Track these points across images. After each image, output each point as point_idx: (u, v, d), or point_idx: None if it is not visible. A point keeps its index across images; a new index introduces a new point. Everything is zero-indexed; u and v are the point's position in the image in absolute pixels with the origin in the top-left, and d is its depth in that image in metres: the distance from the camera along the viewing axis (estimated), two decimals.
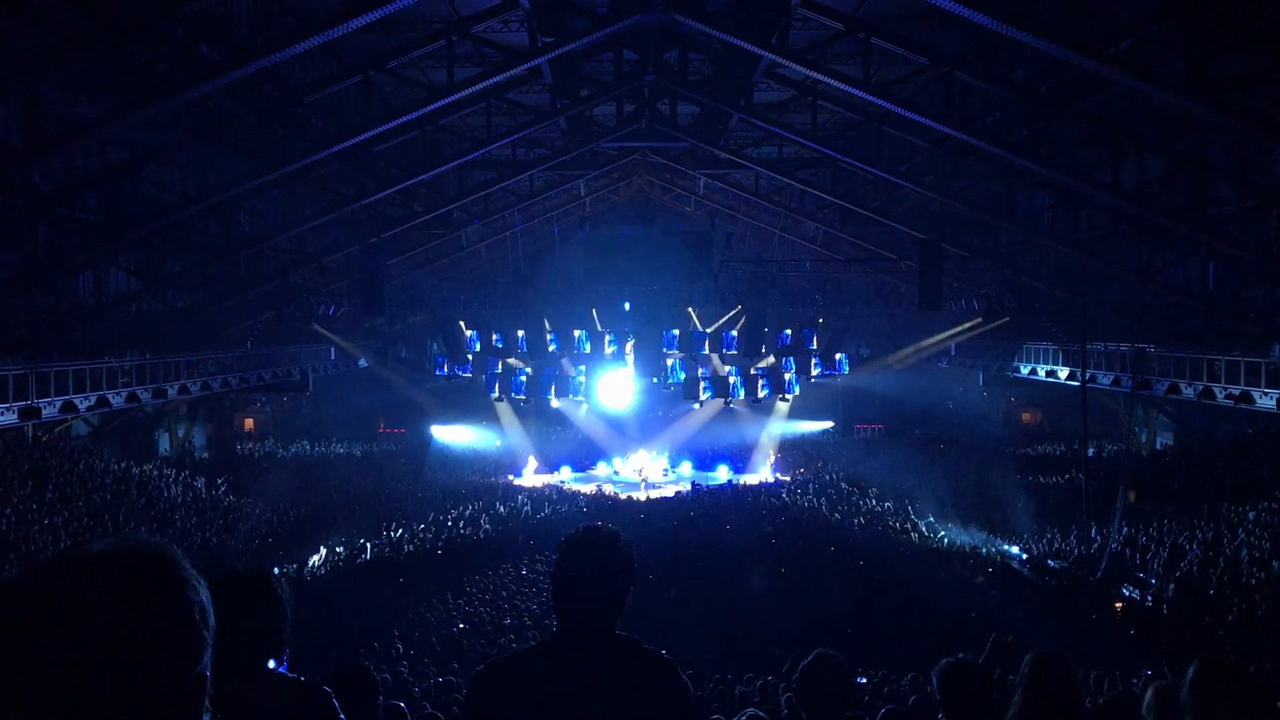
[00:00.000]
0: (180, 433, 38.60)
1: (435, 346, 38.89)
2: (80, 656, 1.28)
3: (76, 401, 21.74)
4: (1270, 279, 22.53)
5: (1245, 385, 22.12)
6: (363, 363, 38.85)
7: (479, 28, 19.89)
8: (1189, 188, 21.82)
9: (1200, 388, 23.73)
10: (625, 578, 2.85)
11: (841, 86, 20.74)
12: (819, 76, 20.93)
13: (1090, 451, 28.82)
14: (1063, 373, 31.10)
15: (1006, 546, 26.00)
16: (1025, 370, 33.69)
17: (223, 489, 29.55)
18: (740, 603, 19.76)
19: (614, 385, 39.50)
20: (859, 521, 28.36)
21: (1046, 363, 32.24)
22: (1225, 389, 22.88)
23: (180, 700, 1.37)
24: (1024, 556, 25.15)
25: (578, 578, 2.82)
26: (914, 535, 27.41)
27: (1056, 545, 25.48)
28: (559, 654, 2.81)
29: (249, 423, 46.13)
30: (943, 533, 27.33)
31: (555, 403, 40.62)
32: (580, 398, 39.40)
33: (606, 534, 2.90)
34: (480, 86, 21.01)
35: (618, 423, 43.45)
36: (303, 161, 21.88)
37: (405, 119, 21.64)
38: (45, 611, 1.29)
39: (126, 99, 17.16)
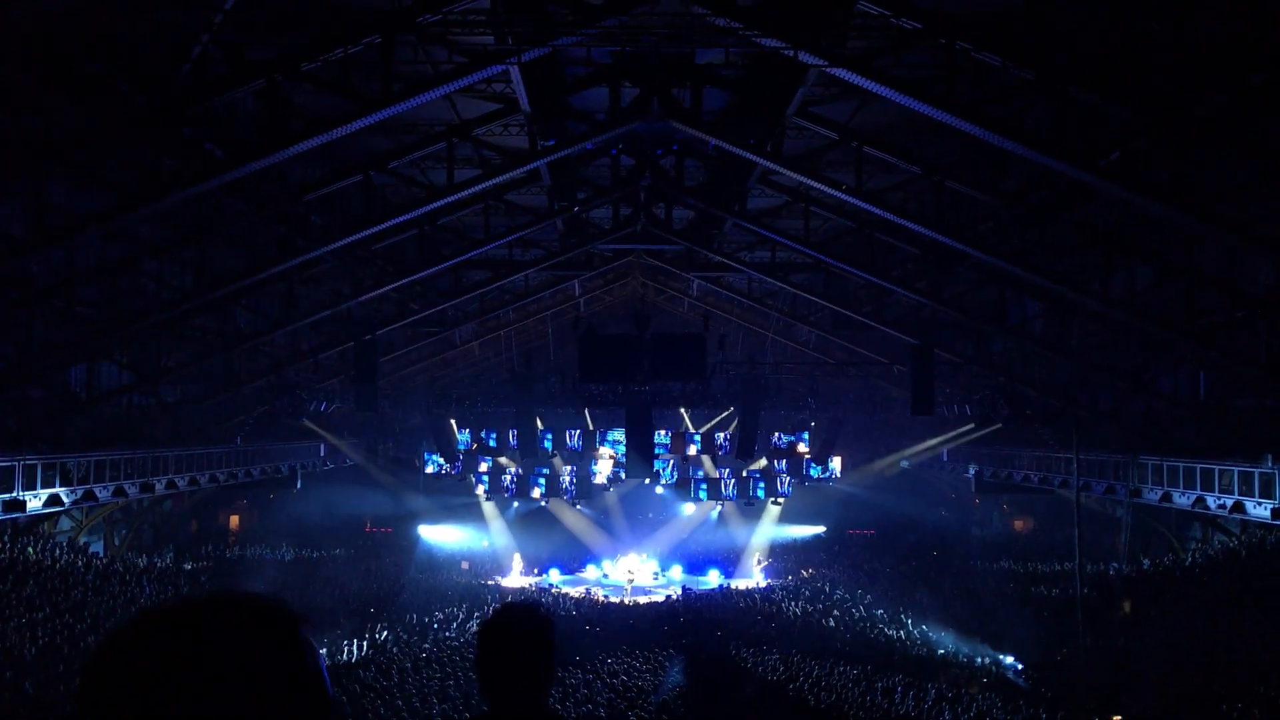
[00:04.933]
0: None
1: (426, 445, 38.62)
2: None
3: (63, 495, 21.48)
4: (1260, 389, 22.60)
5: (1239, 495, 22.04)
6: (349, 460, 38.50)
7: (480, 130, 20.25)
8: (1179, 296, 22.05)
9: (1194, 497, 23.64)
10: (549, 654, 2.77)
11: (834, 193, 21.08)
12: (812, 184, 21.27)
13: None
14: (1057, 480, 30.96)
15: (1001, 657, 25.51)
16: (1019, 477, 33.52)
17: (206, 585, 29.03)
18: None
19: None
20: (859, 629, 27.91)
21: (1040, 470, 32.11)
22: (1219, 498, 22.79)
23: None
24: (1019, 667, 24.68)
25: (502, 656, 2.75)
26: (908, 644, 26.93)
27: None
28: None
29: (234, 520, 45.49)
30: (936, 641, 26.86)
31: (542, 501, 40.00)
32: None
33: (529, 610, 2.84)
34: (480, 188, 21.30)
35: (608, 524, 43.04)
36: (301, 258, 22.04)
37: (404, 218, 21.88)
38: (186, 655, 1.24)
39: (130, 195, 17.32)
